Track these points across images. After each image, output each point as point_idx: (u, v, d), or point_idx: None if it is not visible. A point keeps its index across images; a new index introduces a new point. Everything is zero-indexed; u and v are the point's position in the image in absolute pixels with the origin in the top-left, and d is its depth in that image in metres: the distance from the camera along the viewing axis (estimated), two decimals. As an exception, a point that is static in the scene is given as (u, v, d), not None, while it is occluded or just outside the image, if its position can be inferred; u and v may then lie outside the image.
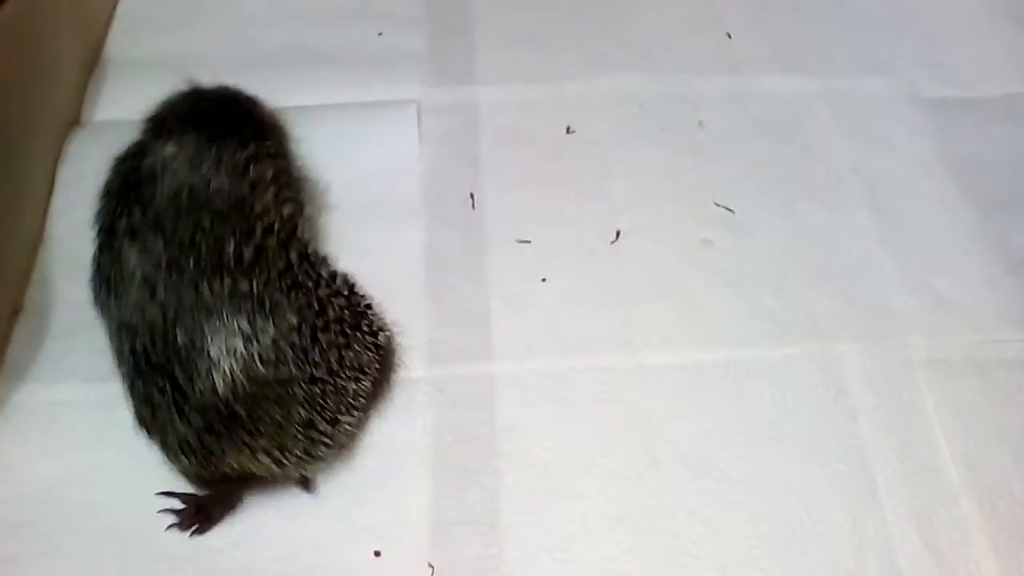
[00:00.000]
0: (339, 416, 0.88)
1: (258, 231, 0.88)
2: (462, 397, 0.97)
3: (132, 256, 0.86)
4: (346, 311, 0.90)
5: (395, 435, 0.94)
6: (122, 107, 1.20)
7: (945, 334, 1.04)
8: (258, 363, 0.83)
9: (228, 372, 0.82)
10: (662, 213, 1.12)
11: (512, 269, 1.06)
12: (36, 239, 1.08)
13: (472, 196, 1.12)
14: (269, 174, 0.93)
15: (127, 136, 1.13)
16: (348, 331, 0.90)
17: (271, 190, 0.92)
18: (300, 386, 0.85)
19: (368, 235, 1.08)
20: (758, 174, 1.16)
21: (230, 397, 0.82)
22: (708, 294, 1.05)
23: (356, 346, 0.90)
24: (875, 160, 1.19)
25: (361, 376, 0.90)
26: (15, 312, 1.02)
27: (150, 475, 0.91)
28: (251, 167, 0.92)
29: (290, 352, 0.84)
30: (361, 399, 0.90)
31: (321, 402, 0.86)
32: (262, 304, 0.84)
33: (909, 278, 1.08)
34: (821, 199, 1.14)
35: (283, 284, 0.87)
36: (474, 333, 1.01)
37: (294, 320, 0.85)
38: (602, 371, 0.99)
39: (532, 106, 1.21)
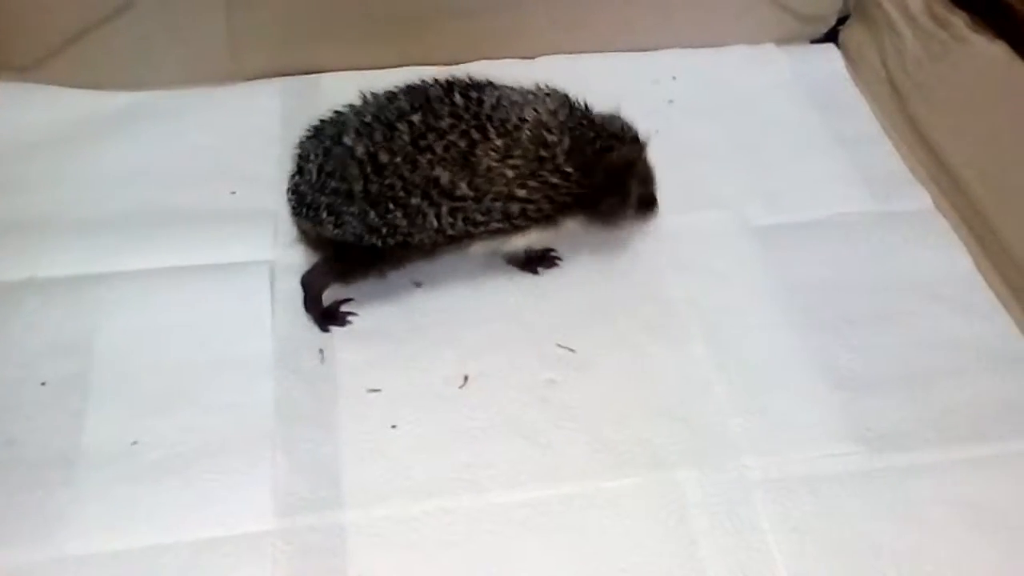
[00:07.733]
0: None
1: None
2: (312, 548, 0.98)
3: None
4: None
5: (244, 591, 0.95)
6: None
7: (778, 453, 1.08)
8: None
9: None
10: (508, 357, 1.16)
11: (362, 418, 1.09)
12: None
13: (322, 351, 1.15)
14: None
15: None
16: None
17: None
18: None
19: (220, 392, 1.10)
20: (598, 313, 1.21)
21: None
22: (551, 431, 1.09)
23: None
24: (708, 291, 1.24)
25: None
26: None
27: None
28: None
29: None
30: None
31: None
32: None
33: (741, 401, 1.12)
34: (658, 332, 1.19)
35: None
36: (324, 482, 1.03)
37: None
38: (451, 513, 1.02)
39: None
